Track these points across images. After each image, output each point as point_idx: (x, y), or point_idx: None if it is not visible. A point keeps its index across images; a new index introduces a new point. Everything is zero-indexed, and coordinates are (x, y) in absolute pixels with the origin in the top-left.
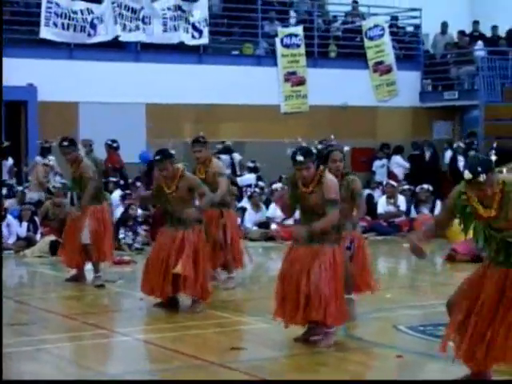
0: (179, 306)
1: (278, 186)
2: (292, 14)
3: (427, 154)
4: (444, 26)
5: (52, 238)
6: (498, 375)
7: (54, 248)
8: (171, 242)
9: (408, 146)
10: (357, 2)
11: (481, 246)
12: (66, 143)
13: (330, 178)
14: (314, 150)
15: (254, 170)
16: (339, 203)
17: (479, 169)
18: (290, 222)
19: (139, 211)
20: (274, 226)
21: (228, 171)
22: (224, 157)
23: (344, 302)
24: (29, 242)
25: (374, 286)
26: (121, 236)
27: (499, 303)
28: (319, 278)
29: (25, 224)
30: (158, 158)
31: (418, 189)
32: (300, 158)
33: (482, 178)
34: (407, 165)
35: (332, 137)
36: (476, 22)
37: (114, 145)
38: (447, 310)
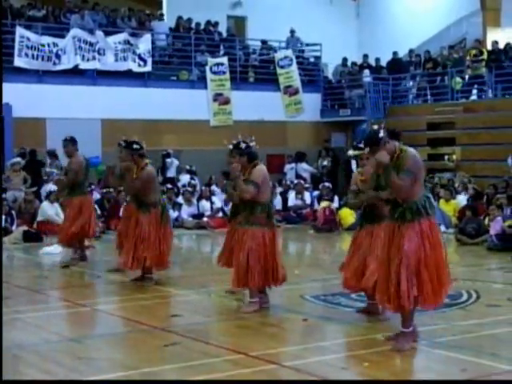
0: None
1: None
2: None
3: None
4: (344, 60)
5: (25, 228)
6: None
7: (26, 236)
8: (135, 222)
9: (311, 153)
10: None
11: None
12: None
13: (258, 168)
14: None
15: (191, 172)
16: (256, 185)
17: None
18: (219, 214)
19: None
20: (205, 219)
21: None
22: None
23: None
24: (6, 231)
25: None
26: None
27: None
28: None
29: (3, 217)
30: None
31: (320, 186)
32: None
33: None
34: (311, 169)
35: (252, 138)
36: (366, 56)
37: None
38: None
